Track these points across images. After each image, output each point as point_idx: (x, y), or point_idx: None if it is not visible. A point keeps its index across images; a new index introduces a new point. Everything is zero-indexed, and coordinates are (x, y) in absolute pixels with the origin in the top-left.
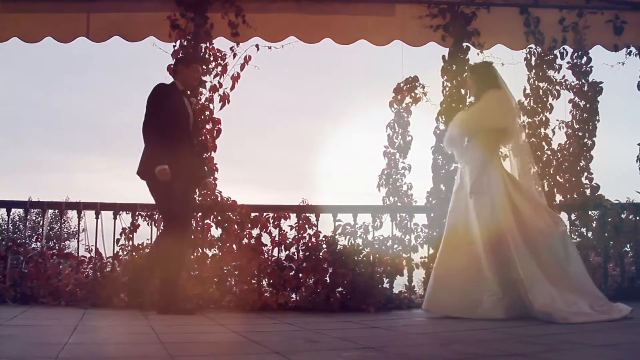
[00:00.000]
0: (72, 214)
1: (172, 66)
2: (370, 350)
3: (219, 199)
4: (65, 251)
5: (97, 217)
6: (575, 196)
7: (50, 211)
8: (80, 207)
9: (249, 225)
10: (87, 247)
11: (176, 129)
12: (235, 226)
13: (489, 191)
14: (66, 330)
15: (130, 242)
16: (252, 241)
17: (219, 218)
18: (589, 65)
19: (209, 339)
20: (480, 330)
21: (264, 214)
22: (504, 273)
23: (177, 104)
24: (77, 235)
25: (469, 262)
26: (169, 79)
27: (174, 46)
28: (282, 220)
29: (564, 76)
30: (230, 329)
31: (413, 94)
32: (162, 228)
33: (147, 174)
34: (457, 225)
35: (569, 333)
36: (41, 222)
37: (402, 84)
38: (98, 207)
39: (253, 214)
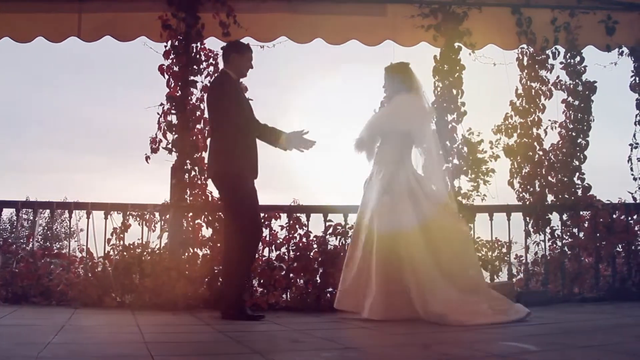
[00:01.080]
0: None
1: (161, 67)
2: (351, 351)
3: (210, 199)
4: (63, 251)
5: (88, 217)
6: (566, 196)
7: (48, 211)
8: (71, 207)
9: None
10: (79, 246)
11: (247, 122)
12: None
13: (393, 192)
14: (52, 329)
15: (121, 242)
16: None
17: (210, 218)
18: (582, 65)
19: (194, 338)
20: (467, 332)
21: None
22: (392, 275)
23: (241, 95)
24: (70, 235)
25: (363, 261)
26: (159, 79)
27: (165, 46)
28: (273, 220)
29: (557, 76)
30: (217, 329)
31: None
32: (232, 229)
33: (219, 174)
34: (361, 225)
35: (554, 334)
36: (38, 221)
37: None
38: (89, 207)
39: None
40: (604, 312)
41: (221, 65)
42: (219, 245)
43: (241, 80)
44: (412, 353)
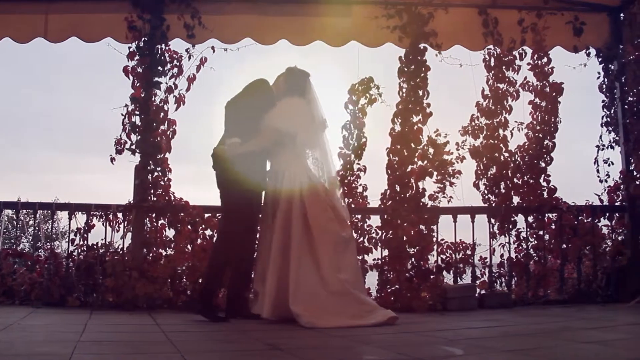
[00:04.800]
0: (61, 214)
1: (125, 68)
2: (278, 352)
3: (172, 199)
4: (58, 251)
5: (52, 217)
6: (532, 198)
7: (40, 212)
8: (36, 207)
9: (203, 226)
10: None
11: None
12: (189, 227)
13: (287, 192)
14: None
15: (85, 242)
16: (205, 242)
17: (172, 219)
18: (549, 66)
19: (132, 338)
20: (406, 333)
21: (218, 215)
22: (283, 274)
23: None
24: (32, 234)
25: (263, 260)
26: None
27: (129, 47)
28: None
29: (525, 77)
30: (162, 329)
31: (368, 95)
32: (220, 225)
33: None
34: (265, 224)
35: (491, 337)
36: (3, 222)
37: (356, 85)
38: (53, 208)
39: (207, 215)
40: (561, 314)
41: (185, 67)
42: (181, 245)
43: None
44: (332, 355)
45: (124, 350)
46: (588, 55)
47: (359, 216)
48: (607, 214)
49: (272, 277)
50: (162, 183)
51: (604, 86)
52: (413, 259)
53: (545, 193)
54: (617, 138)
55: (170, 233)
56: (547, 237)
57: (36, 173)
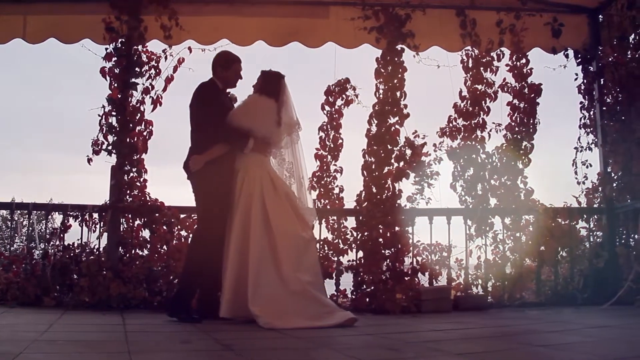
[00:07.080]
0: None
1: (102, 69)
2: (228, 353)
3: (148, 200)
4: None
5: (28, 217)
6: (509, 200)
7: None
8: (12, 207)
9: (178, 227)
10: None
11: (224, 129)
12: (164, 227)
13: (247, 191)
14: None
15: (62, 242)
16: (180, 242)
17: (146, 219)
18: (528, 67)
19: (89, 337)
20: (367, 335)
21: (193, 215)
22: (242, 273)
23: (223, 104)
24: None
25: (226, 260)
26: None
27: (107, 49)
28: None
29: (504, 79)
30: (126, 329)
31: (344, 96)
32: (197, 228)
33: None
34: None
35: (450, 340)
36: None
37: (332, 86)
38: (30, 208)
39: (182, 215)
40: (532, 317)
41: (163, 68)
42: (158, 246)
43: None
44: (282, 356)
45: (74, 349)
46: (567, 56)
47: (335, 217)
48: (585, 216)
49: (229, 276)
50: (137, 184)
51: (583, 87)
52: (388, 261)
53: (522, 195)
54: (595, 140)
55: (146, 234)
56: (524, 239)
57: (33, 173)
